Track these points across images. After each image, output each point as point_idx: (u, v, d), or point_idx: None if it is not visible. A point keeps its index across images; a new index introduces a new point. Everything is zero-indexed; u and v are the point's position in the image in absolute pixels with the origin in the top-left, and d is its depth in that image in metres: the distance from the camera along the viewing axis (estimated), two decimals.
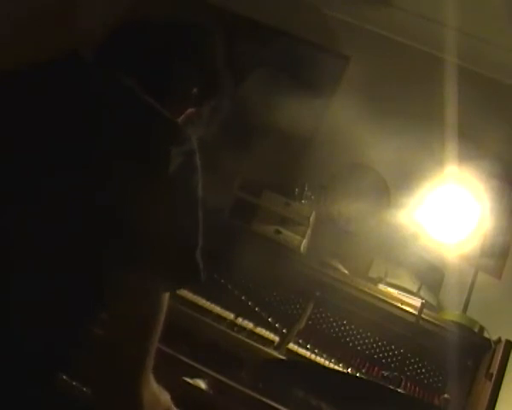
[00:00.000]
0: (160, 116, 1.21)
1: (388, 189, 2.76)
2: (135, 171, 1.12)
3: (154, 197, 1.11)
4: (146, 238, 1.10)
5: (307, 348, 2.13)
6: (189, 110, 1.39)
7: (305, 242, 2.42)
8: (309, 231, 2.46)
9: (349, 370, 2.11)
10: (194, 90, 1.38)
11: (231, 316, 2.16)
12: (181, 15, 1.40)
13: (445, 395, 2.05)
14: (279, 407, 1.80)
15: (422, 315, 2.18)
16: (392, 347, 2.20)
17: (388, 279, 2.44)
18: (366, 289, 2.25)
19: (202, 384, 1.81)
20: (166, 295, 1.15)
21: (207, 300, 2.18)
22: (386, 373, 2.09)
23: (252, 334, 2.12)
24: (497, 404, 1.96)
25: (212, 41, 1.41)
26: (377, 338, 2.22)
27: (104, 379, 1.16)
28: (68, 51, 1.28)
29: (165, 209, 1.13)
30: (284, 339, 2.14)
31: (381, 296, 2.24)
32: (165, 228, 1.12)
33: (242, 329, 2.13)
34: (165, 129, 1.18)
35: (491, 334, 2.19)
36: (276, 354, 2.06)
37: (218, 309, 2.17)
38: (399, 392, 2.01)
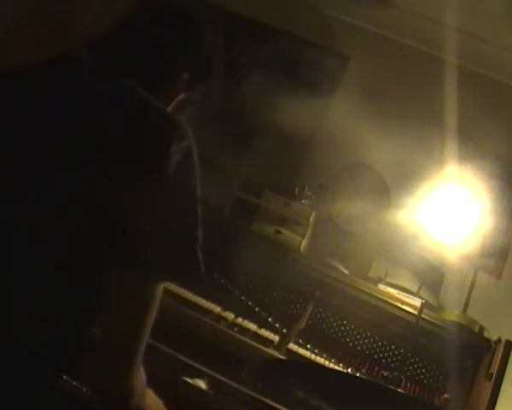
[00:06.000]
0: (159, 113, 1.22)
1: (388, 189, 2.75)
2: (135, 169, 1.13)
3: (154, 195, 1.13)
4: (146, 235, 1.12)
5: (307, 348, 2.13)
6: (180, 96, 1.40)
7: (305, 242, 2.41)
8: (309, 231, 2.46)
9: (349, 370, 2.11)
10: (185, 75, 1.38)
11: (231, 316, 2.16)
12: (170, 4, 1.40)
13: (445, 395, 2.05)
14: (279, 406, 1.80)
15: (422, 315, 2.18)
16: (392, 347, 2.20)
17: (388, 279, 2.44)
18: (366, 289, 2.25)
19: (202, 384, 1.81)
20: (161, 288, 1.18)
21: (207, 300, 2.18)
22: (386, 373, 2.09)
23: (252, 334, 2.12)
24: (497, 404, 1.96)
25: (201, 27, 1.41)
26: (377, 338, 2.22)
27: (98, 371, 1.19)
28: (66, 52, 1.28)
29: (166, 206, 1.15)
30: (284, 339, 2.14)
31: (381, 296, 2.24)
32: (166, 224, 1.15)
33: (242, 329, 2.13)
34: (164, 126, 1.20)
35: (491, 334, 2.19)
36: (276, 354, 2.06)
37: (218, 309, 2.17)
38: (399, 392, 2.01)
